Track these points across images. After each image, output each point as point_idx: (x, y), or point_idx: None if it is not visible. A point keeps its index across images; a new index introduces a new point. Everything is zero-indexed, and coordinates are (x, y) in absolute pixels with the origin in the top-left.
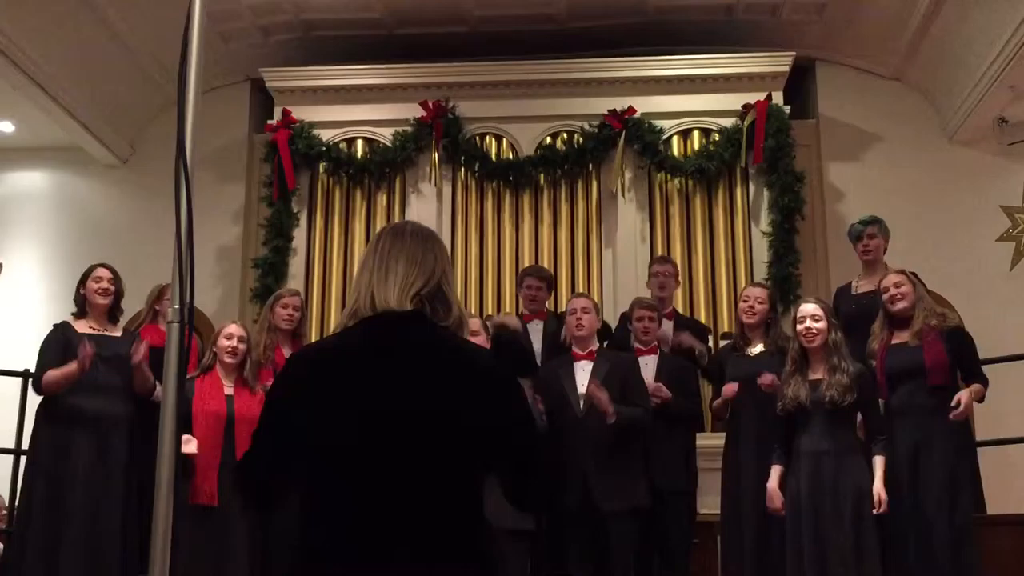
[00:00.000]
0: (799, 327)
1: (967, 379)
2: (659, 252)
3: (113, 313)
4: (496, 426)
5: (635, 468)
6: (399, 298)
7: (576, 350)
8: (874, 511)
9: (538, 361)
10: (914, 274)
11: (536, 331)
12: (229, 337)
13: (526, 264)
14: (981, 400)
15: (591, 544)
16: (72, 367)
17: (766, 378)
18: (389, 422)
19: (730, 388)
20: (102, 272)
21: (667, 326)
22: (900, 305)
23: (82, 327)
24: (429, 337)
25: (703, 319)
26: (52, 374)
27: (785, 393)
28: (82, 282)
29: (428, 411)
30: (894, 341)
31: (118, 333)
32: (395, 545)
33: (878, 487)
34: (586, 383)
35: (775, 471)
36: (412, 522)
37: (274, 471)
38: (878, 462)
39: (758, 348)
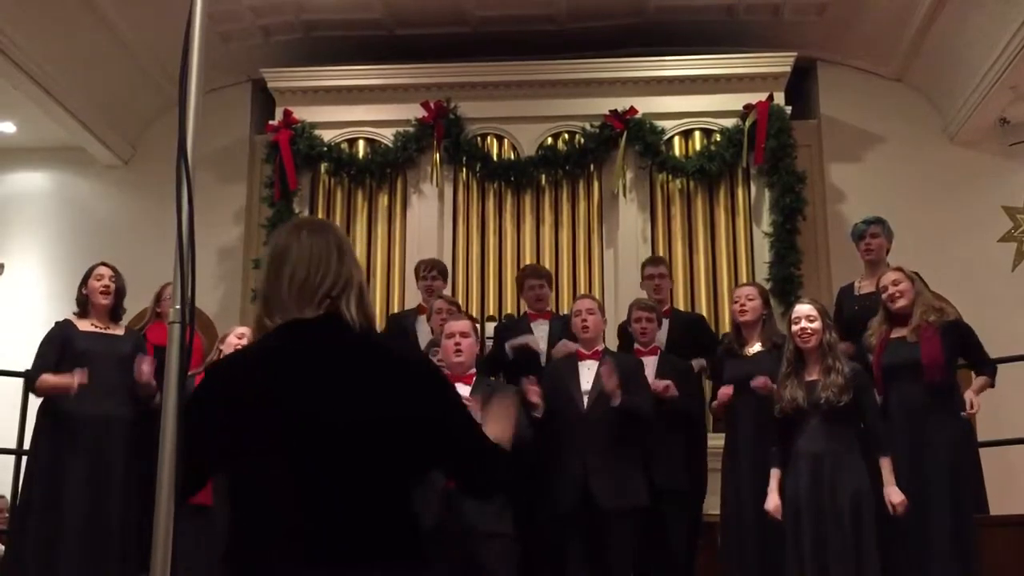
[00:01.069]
0: (794, 328)
1: (975, 369)
2: (661, 252)
3: (115, 311)
4: (428, 417)
5: (636, 467)
6: (305, 302)
7: (581, 350)
8: (893, 512)
9: (543, 361)
10: (915, 273)
11: (542, 330)
12: (241, 337)
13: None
14: (992, 386)
15: (590, 544)
16: (66, 381)
17: (759, 380)
18: (317, 424)
19: (725, 391)
20: (103, 270)
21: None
22: (900, 303)
23: (84, 326)
24: (346, 339)
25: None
26: (47, 380)
27: (782, 395)
28: (84, 281)
29: (356, 411)
30: (892, 336)
31: (120, 331)
32: (329, 546)
33: (889, 491)
34: (591, 383)
35: (774, 476)
36: (346, 523)
37: (191, 473)
38: (885, 464)
39: (755, 347)
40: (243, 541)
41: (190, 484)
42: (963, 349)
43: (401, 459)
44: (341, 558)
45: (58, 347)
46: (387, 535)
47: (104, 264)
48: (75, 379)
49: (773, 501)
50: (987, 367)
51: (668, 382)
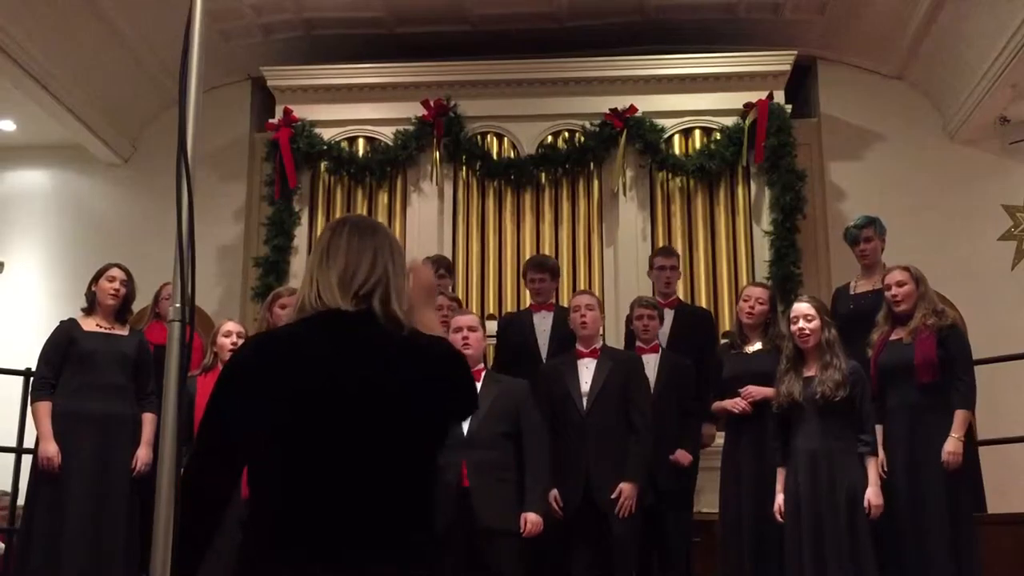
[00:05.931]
0: (793, 327)
1: (952, 382)
2: None
3: (121, 313)
4: (448, 399)
5: None
6: (343, 294)
7: (579, 347)
8: (869, 516)
9: (545, 354)
10: (917, 270)
11: (545, 322)
12: (227, 335)
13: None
14: (972, 411)
15: (593, 542)
16: (43, 443)
17: (749, 391)
18: (343, 407)
19: (734, 403)
20: (116, 272)
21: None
22: (902, 307)
23: (89, 324)
24: (379, 332)
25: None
26: (41, 413)
27: (779, 391)
28: (95, 279)
29: (383, 395)
30: (892, 337)
31: (124, 332)
32: (344, 538)
33: (871, 492)
34: (590, 381)
35: (780, 474)
36: (360, 515)
37: (226, 464)
38: (870, 464)
39: (756, 346)
40: (258, 531)
41: (222, 480)
42: (948, 357)
43: (419, 444)
44: (356, 554)
45: (63, 351)
46: (404, 527)
47: (118, 266)
48: (54, 460)
49: (780, 501)
50: (961, 390)
51: (688, 456)
